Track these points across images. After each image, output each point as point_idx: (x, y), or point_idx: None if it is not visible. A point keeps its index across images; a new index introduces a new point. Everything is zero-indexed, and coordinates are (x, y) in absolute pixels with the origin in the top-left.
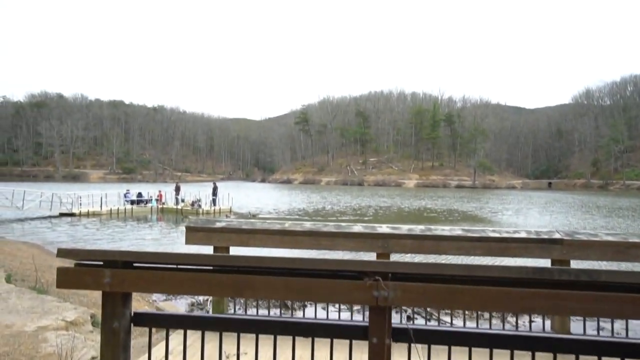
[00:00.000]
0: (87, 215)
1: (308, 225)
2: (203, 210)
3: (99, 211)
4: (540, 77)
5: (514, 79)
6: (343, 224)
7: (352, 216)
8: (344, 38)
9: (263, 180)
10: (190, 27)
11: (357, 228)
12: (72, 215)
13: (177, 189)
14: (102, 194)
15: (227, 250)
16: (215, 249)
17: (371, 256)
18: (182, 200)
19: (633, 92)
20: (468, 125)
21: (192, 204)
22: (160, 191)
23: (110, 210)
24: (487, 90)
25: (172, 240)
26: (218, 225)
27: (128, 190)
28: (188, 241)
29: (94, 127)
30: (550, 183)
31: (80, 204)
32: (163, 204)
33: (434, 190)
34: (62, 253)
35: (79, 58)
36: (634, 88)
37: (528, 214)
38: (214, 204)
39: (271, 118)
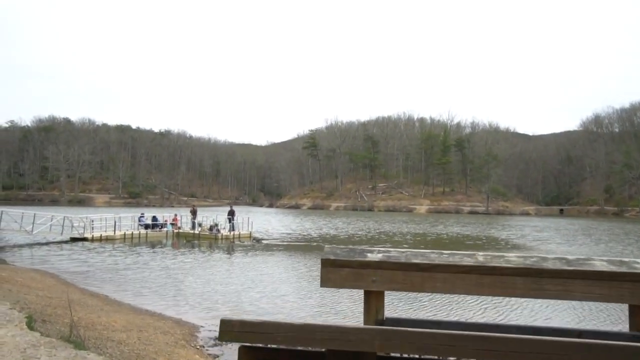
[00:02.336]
0: (100, 239)
1: (515, 258)
2: (222, 235)
3: (112, 235)
4: (545, 104)
5: (519, 105)
6: (569, 256)
7: (394, 243)
8: (350, 63)
9: (271, 205)
10: (196, 52)
11: (601, 264)
12: (84, 239)
13: (194, 213)
14: (115, 218)
15: (382, 297)
16: (367, 295)
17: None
18: (200, 225)
19: None
20: (478, 150)
21: (211, 229)
22: (176, 215)
23: (124, 234)
24: (495, 116)
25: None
26: (372, 257)
27: (142, 213)
28: (326, 281)
29: (100, 151)
30: (562, 209)
31: (93, 228)
32: (179, 228)
33: (448, 217)
34: (226, 327)
35: (87, 83)
36: None
37: (576, 241)
38: (233, 229)
39: (277, 143)
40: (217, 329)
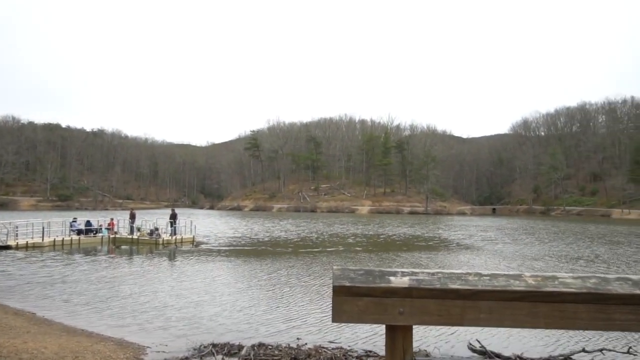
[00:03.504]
0: (26, 247)
1: (572, 280)
2: (163, 239)
3: (40, 242)
4: (478, 108)
5: (454, 109)
6: (634, 276)
7: (347, 245)
8: (292, 64)
9: (211, 207)
10: (131, 48)
11: None
12: (7, 247)
13: (133, 217)
14: (43, 223)
15: (410, 332)
16: (391, 331)
17: None
18: (139, 229)
19: (565, 123)
20: (417, 152)
21: (151, 233)
22: (112, 219)
23: (54, 241)
24: (433, 119)
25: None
26: (398, 281)
27: (75, 218)
28: (340, 314)
29: (26, 151)
30: (494, 209)
31: (17, 234)
32: (115, 233)
33: (390, 217)
34: None
35: (11, 78)
36: (566, 119)
37: (522, 241)
38: (175, 233)
39: (218, 144)
40: (168, 349)
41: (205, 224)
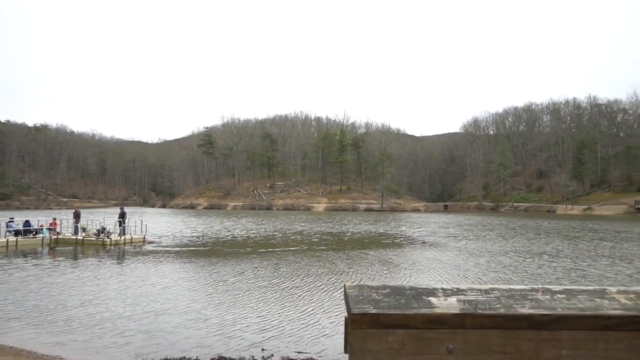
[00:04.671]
0: None
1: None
2: (111, 240)
3: None
4: (431, 108)
5: (407, 108)
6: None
7: (312, 245)
8: (246, 60)
9: (163, 206)
10: (75, 40)
11: None
12: None
13: (77, 216)
14: None
15: None
16: None
17: None
18: (84, 230)
19: (513, 122)
20: (373, 150)
21: (98, 234)
22: (54, 219)
23: None
24: (387, 118)
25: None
26: (443, 304)
27: (11, 218)
28: (361, 354)
29: None
30: (446, 205)
31: None
32: (58, 234)
33: (347, 214)
34: None
35: None
36: (513, 119)
37: (484, 237)
38: (124, 233)
39: (170, 140)
40: None
41: (160, 223)
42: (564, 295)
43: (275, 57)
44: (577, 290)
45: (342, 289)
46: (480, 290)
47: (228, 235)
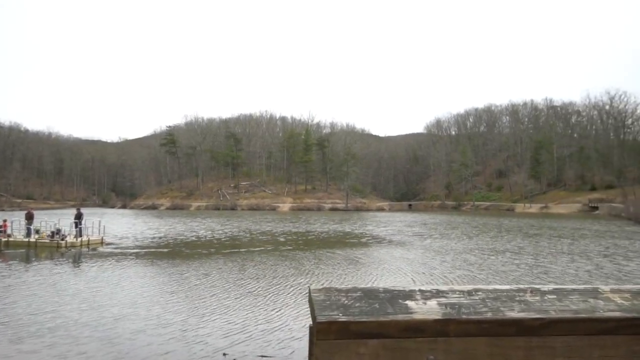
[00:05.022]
0: None
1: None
2: (67, 242)
3: None
4: (395, 109)
5: (371, 109)
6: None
7: (280, 244)
8: (209, 58)
9: (124, 206)
10: (31, 32)
11: None
12: None
13: (30, 217)
14: None
15: None
16: None
17: None
18: (37, 231)
19: (474, 123)
20: (338, 150)
21: (52, 235)
22: (5, 220)
23: None
24: (352, 118)
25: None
26: (422, 309)
27: None
28: None
29: None
30: (410, 205)
31: None
32: (9, 236)
33: (312, 214)
34: None
35: None
36: (474, 119)
37: (450, 235)
38: (80, 234)
39: (131, 140)
40: None
41: (120, 224)
42: (554, 296)
43: (239, 56)
44: (568, 290)
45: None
46: (462, 291)
47: (192, 236)
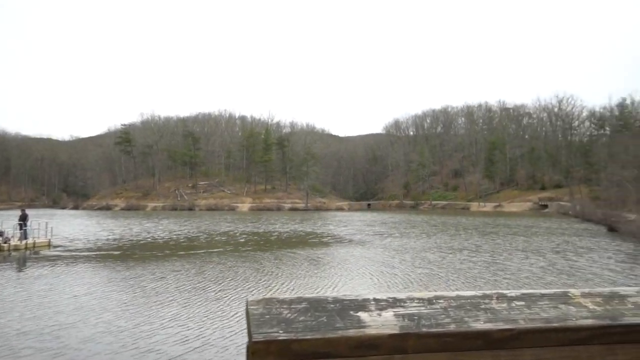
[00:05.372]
0: None
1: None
2: (10, 245)
3: None
4: (354, 109)
5: (331, 109)
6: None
7: (240, 245)
8: (166, 55)
9: (76, 207)
10: None
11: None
12: None
13: None
14: None
15: None
16: None
17: None
18: None
19: (431, 123)
20: (298, 149)
21: None
22: None
23: None
24: (312, 118)
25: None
26: (378, 322)
27: None
28: None
29: None
30: (369, 204)
31: None
32: None
33: (272, 214)
34: None
35: None
36: (431, 120)
37: (409, 234)
38: (25, 237)
39: (83, 138)
40: None
41: (71, 226)
42: (522, 302)
43: (198, 54)
44: (537, 295)
45: (272, 290)
46: (422, 299)
47: (148, 238)
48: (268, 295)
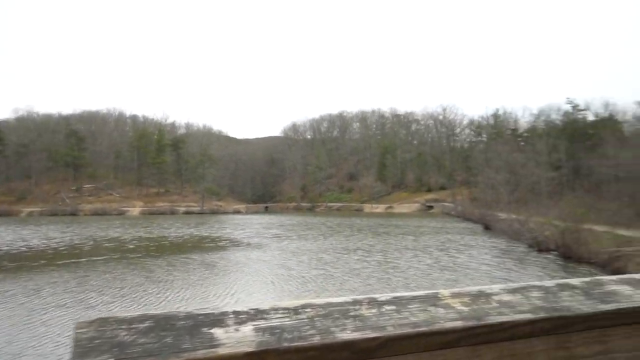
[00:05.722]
0: None
1: (514, 297)
2: None
3: None
4: (251, 112)
5: (228, 111)
6: (574, 281)
7: (130, 252)
8: (45, 45)
9: None
10: None
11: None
12: None
13: None
14: None
15: None
16: None
17: None
18: None
19: (328, 127)
20: (194, 151)
21: None
22: None
23: None
24: (208, 120)
25: None
26: (233, 339)
27: None
28: None
29: None
30: (267, 207)
31: None
32: None
33: (166, 218)
34: None
35: None
36: (328, 124)
37: (307, 236)
38: None
39: None
40: None
41: None
42: (393, 307)
43: (83, 47)
44: (408, 298)
45: (164, 300)
46: (288, 309)
47: (22, 246)
48: (105, 315)
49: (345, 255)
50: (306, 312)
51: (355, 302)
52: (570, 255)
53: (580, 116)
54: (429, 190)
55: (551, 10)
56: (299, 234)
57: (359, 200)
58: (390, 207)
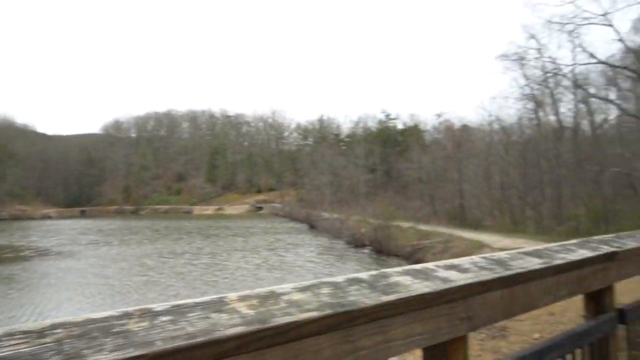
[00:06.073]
0: None
1: (304, 295)
2: None
3: None
4: (67, 105)
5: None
6: (362, 275)
7: None
8: None
9: None
10: None
11: (405, 278)
12: None
13: None
14: None
15: None
16: None
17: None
18: None
19: (154, 126)
20: None
21: None
22: None
23: None
24: (10, 111)
25: None
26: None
27: None
28: None
29: None
30: (83, 210)
31: None
32: None
33: None
34: None
35: None
36: (155, 123)
37: (129, 241)
38: None
39: None
40: None
41: None
42: (169, 317)
43: None
44: (190, 305)
45: None
46: (30, 333)
47: None
48: None
49: (172, 260)
50: (55, 334)
51: (124, 316)
52: (382, 250)
53: (391, 124)
54: (259, 192)
55: (368, 32)
56: (121, 239)
57: (188, 202)
58: (221, 209)
